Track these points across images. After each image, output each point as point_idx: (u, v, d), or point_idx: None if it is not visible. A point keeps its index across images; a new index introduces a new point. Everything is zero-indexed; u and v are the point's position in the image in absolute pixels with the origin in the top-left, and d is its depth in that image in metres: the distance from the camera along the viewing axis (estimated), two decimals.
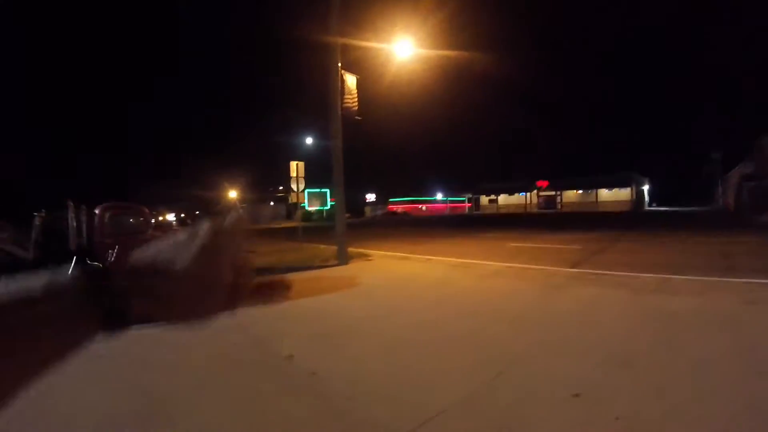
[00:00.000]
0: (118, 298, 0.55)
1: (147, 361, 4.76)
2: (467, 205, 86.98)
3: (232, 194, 62.34)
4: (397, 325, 5.87)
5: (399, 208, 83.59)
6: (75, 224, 6.62)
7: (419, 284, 9.01)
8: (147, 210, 7.13)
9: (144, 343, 5.42)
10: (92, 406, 3.63)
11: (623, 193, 62.95)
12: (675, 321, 5.67)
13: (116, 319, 0.56)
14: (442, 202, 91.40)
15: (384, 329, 5.67)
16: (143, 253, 0.58)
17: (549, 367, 4.20)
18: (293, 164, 16.38)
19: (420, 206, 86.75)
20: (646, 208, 66.00)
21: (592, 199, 64.88)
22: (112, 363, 4.75)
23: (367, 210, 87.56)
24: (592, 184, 65.27)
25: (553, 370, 4.12)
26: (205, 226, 0.60)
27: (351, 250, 13.55)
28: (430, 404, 3.46)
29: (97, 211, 6.69)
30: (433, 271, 10.72)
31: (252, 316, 6.57)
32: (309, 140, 34.07)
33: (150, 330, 5.96)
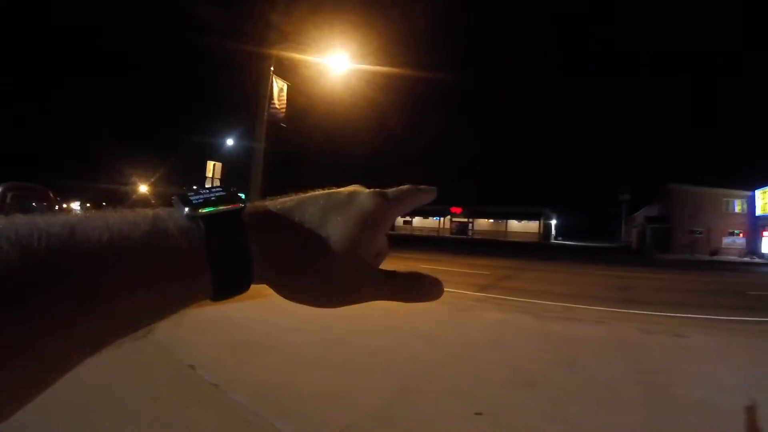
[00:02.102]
0: None
1: None
2: None
3: (143, 188, 59.18)
4: (307, 339, 5.76)
5: None
6: None
7: None
8: (53, 195, 6.56)
9: None
10: None
11: (532, 225, 66.54)
12: (576, 346, 6.02)
13: None
14: None
15: (292, 342, 5.55)
16: None
17: (453, 386, 4.30)
18: (210, 164, 15.82)
19: None
20: (553, 240, 69.93)
21: (503, 228, 67.97)
22: None
23: None
24: (503, 214, 68.33)
25: (457, 389, 4.22)
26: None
27: None
28: (335, 420, 3.41)
29: None
30: None
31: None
32: (230, 141, 33.08)
33: None
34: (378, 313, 7.70)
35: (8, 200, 6.08)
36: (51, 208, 6.49)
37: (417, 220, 76.26)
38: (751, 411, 3.92)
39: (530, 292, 11.00)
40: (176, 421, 3.29)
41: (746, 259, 35.74)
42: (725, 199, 41.66)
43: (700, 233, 40.70)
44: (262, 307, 7.77)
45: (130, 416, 3.33)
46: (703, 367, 5.24)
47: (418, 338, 6.10)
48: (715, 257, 35.98)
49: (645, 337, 6.66)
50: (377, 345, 5.64)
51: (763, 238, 37.64)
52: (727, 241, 40.48)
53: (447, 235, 69.32)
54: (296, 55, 12.53)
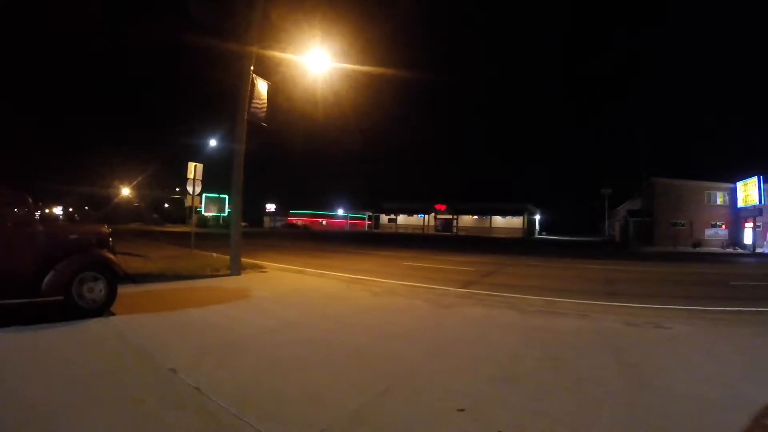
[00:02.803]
0: None
1: (13, 369, 4.27)
2: (367, 222, 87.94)
3: (125, 192, 58.38)
4: (288, 339, 5.73)
5: (299, 221, 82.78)
6: None
7: (313, 299, 8.90)
8: (30, 200, 6.44)
9: (9, 347, 4.89)
10: None
11: (516, 221, 67.07)
12: (560, 340, 6.08)
13: None
14: (343, 218, 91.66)
15: (273, 344, 5.51)
16: None
17: (436, 383, 4.31)
18: (191, 165, 15.67)
19: (320, 220, 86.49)
20: (537, 236, 70.52)
21: (487, 224, 68.36)
22: None
23: (267, 220, 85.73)
24: (487, 210, 68.72)
25: (440, 385, 4.23)
26: None
27: (245, 260, 13.13)
28: (317, 420, 3.40)
29: None
30: (328, 287, 10.66)
31: (134, 325, 6.14)
32: (212, 143, 32.75)
33: (19, 333, 5.39)
34: (360, 312, 7.71)
35: None
36: (29, 215, 6.39)
37: (401, 218, 76.36)
38: (734, 401, 3.99)
39: (514, 288, 11.08)
40: (157, 425, 3.25)
41: (729, 250, 36.38)
42: (707, 191, 42.33)
43: (683, 225, 41.36)
44: (243, 308, 7.75)
45: (111, 420, 3.28)
46: (686, 358, 5.32)
47: (399, 336, 6.10)
48: (698, 249, 36.57)
49: (628, 329, 6.74)
50: (359, 344, 5.64)
51: (745, 230, 38.35)
52: (709, 232, 41.16)
53: (432, 232, 69.49)
54: (277, 54, 12.45)
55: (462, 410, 3.66)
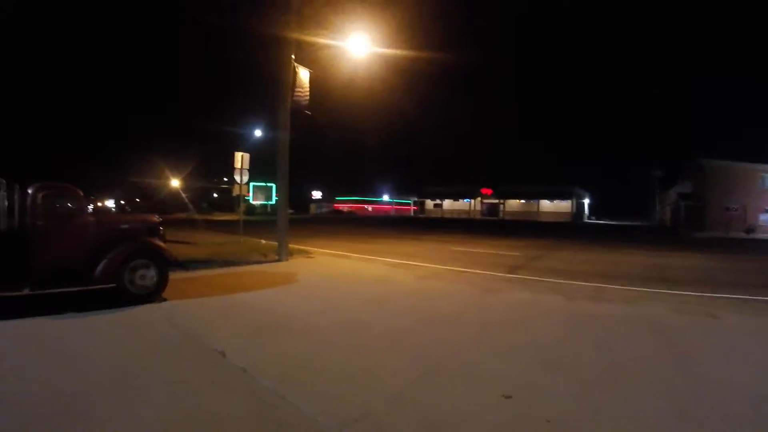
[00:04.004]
0: None
1: (67, 353, 4.48)
2: (412, 207, 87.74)
3: (174, 183, 60.15)
4: (331, 322, 5.78)
5: (344, 207, 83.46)
6: (6, 204, 6.19)
7: (357, 283, 8.96)
8: (82, 193, 6.73)
9: (64, 333, 5.13)
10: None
11: (564, 205, 65.26)
12: (607, 327, 5.88)
13: None
14: (388, 203, 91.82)
15: (317, 327, 5.57)
16: None
17: (481, 368, 4.24)
18: (237, 155, 15.94)
19: (365, 206, 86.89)
20: (585, 220, 68.64)
21: (534, 208, 66.86)
22: (23, 357, 4.47)
23: (313, 207, 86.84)
24: (534, 194, 67.23)
25: (485, 371, 4.16)
26: None
27: (292, 246, 13.34)
28: (358, 402, 3.41)
29: (29, 191, 6.26)
30: (373, 270, 10.70)
31: (183, 309, 6.34)
32: (258, 133, 33.27)
33: (73, 319, 5.65)
34: (404, 296, 7.70)
35: (39, 201, 6.24)
36: (81, 207, 6.65)
37: (447, 203, 75.76)
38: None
39: (561, 273, 10.81)
40: (204, 405, 3.33)
41: None
42: (762, 174, 40.00)
43: (736, 210, 39.23)
44: (289, 292, 7.87)
45: (159, 400, 3.39)
46: (738, 349, 5.05)
47: (444, 320, 6.05)
48: (751, 235, 34.69)
49: (678, 317, 6.45)
50: (402, 327, 5.62)
51: None
52: (763, 218, 38.86)
53: (477, 217, 68.74)
54: (317, 40, 12.46)
55: (508, 397, 3.59)
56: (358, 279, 9.46)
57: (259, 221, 35.50)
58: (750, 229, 36.40)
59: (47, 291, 6.26)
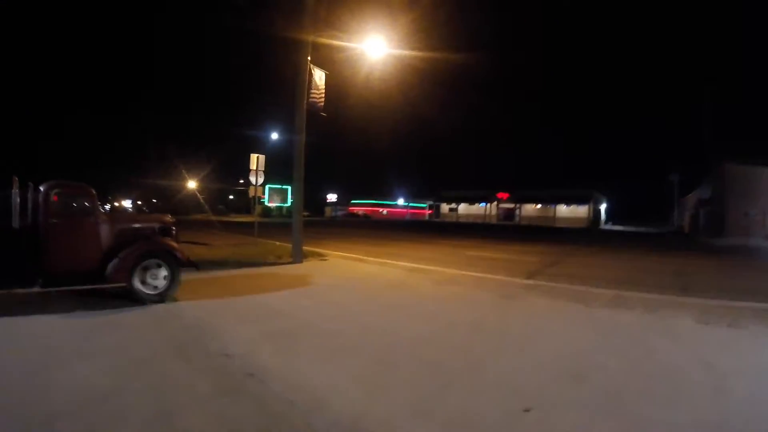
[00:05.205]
0: None
1: (74, 353, 4.40)
2: (428, 211, 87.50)
3: (191, 184, 60.67)
4: (346, 327, 5.63)
5: (360, 210, 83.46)
6: (20, 202, 6.18)
7: (373, 287, 8.81)
8: (95, 192, 6.71)
9: (72, 332, 5.06)
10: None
11: (581, 210, 64.46)
12: (628, 336, 5.65)
13: None
14: (403, 207, 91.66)
15: (331, 332, 5.42)
16: None
17: (500, 379, 4.06)
18: (253, 157, 15.95)
19: (381, 209, 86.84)
20: (603, 226, 67.77)
21: (551, 213, 66.15)
22: (26, 355, 4.40)
23: (328, 210, 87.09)
24: (551, 198, 66.54)
25: (504, 382, 3.98)
26: None
27: (307, 249, 13.23)
28: (372, 414, 3.25)
29: (42, 189, 6.25)
30: (389, 275, 10.54)
31: (195, 311, 6.25)
32: (274, 135, 33.36)
33: (82, 319, 5.58)
34: (422, 301, 7.54)
35: (51, 199, 6.22)
36: (94, 206, 6.62)
37: (462, 207, 75.34)
38: None
39: (579, 279, 10.55)
40: (209, 411, 3.21)
41: None
42: None
43: (756, 215, 38.26)
44: (303, 295, 7.75)
45: (163, 405, 3.27)
46: (764, 362, 4.80)
47: (462, 326, 5.87)
48: None
49: (700, 327, 6.17)
50: (419, 333, 5.46)
51: None
52: None
53: (494, 221, 68.28)
54: (333, 42, 12.38)
55: (528, 410, 3.41)
56: (373, 283, 9.32)
57: (275, 223, 35.60)
58: None
59: (58, 289, 6.23)
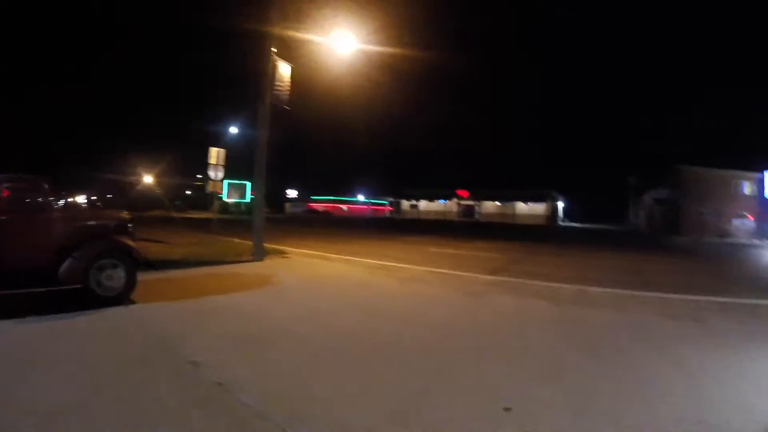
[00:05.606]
0: None
1: (25, 363, 4.07)
2: (389, 208, 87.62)
3: (149, 179, 58.67)
4: (315, 330, 5.45)
5: (320, 207, 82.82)
6: None
7: (338, 286, 8.66)
8: (49, 186, 6.29)
9: (23, 339, 4.71)
10: None
11: (539, 208, 65.99)
12: (598, 334, 5.73)
13: None
14: (364, 203, 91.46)
15: (300, 335, 5.23)
16: None
17: (476, 379, 4.00)
18: (213, 150, 15.52)
19: (341, 206, 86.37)
20: (561, 223, 69.46)
21: (510, 211, 67.41)
22: None
23: (288, 206, 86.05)
24: (510, 196, 67.78)
25: (480, 383, 3.93)
26: None
27: (268, 246, 12.90)
28: (351, 423, 3.12)
29: None
30: (354, 273, 10.41)
31: (154, 314, 5.94)
32: (234, 130, 32.56)
33: (34, 324, 5.20)
34: (388, 301, 7.45)
35: (2, 194, 5.83)
36: (47, 202, 6.23)
37: (423, 204, 75.86)
38: None
39: (543, 276, 10.68)
40: (177, 424, 3.00)
41: (756, 241, 35.12)
42: (734, 180, 40.86)
43: (710, 215, 40.08)
44: (267, 296, 7.53)
45: (127, 419, 3.04)
46: (730, 357, 4.92)
47: (432, 327, 5.80)
48: (725, 239, 35.46)
49: (665, 322, 6.34)
50: (390, 335, 5.35)
51: None
52: (736, 223, 39.80)
53: (454, 218, 68.96)
54: (300, 35, 12.08)
55: (508, 409, 3.35)
56: (338, 281, 9.16)
57: (234, 220, 34.90)
58: (724, 234, 37.23)
59: (8, 292, 5.78)
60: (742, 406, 3.58)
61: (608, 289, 8.95)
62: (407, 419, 3.20)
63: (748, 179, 40.43)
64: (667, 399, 3.66)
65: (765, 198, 38.36)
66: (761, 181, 39.07)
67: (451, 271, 10.95)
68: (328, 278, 9.53)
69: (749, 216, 39.67)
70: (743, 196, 40.55)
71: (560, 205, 74.48)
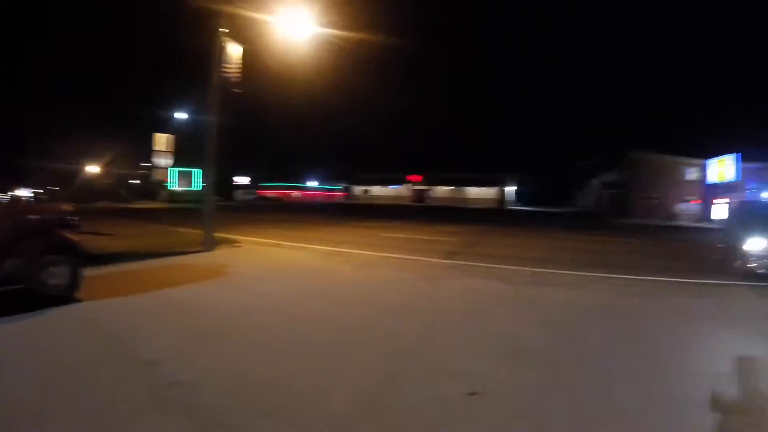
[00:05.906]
0: None
1: None
2: (342, 194, 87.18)
3: (96, 169, 55.95)
4: (275, 320, 5.35)
5: (271, 194, 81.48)
6: None
7: (293, 273, 8.54)
8: None
9: None
10: None
11: (491, 192, 67.27)
12: (557, 313, 5.92)
13: None
14: (316, 189, 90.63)
15: (260, 325, 5.12)
16: None
17: (442, 363, 4.04)
18: (159, 137, 14.94)
19: (293, 192, 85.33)
20: (511, 206, 70.97)
21: (462, 195, 68.38)
22: None
23: (239, 193, 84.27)
24: (462, 181, 68.69)
25: (446, 366, 3.96)
26: None
27: (219, 235, 12.55)
28: (320, 414, 3.06)
29: None
30: (309, 260, 10.29)
31: (104, 311, 5.65)
32: (181, 115, 31.39)
33: None
34: (346, 287, 7.41)
35: None
36: None
37: (376, 189, 75.82)
38: (741, 373, 3.85)
39: (498, 258, 10.89)
40: (137, 429, 2.86)
41: (700, 224, 37.03)
42: (681, 167, 43.04)
43: (657, 199, 42.02)
44: (222, 286, 7.34)
45: (82, 425, 2.88)
46: (685, 331, 5.19)
47: (393, 311, 5.82)
48: (672, 222, 37.32)
49: (620, 301, 6.65)
50: (352, 321, 5.32)
51: (713, 206, 39.08)
52: (682, 207, 41.95)
53: (406, 203, 69.33)
54: (253, 15, 11.61)
55: (473, 393, 3.39)
56: (293, 269, 9.03)
57: (182, 209, 33.80)
58: (671, 217, 39.22)
59: None
60: (692, 372, 3.79)
61: (560, 270, 9.25)
62: (374, 407, 3.19)
63: (693, 166, 42.68)
64: (632, 374, 3.82)
65: (708, 183, 40.60)
66: (705, 168, 41.33)
67: (407, 256, 11.00)
68: (282, 266, 9.39)
69: (694, 200, 41.92)
70: (689, 181, 42.77)
71: (510, 189, 76.03)
